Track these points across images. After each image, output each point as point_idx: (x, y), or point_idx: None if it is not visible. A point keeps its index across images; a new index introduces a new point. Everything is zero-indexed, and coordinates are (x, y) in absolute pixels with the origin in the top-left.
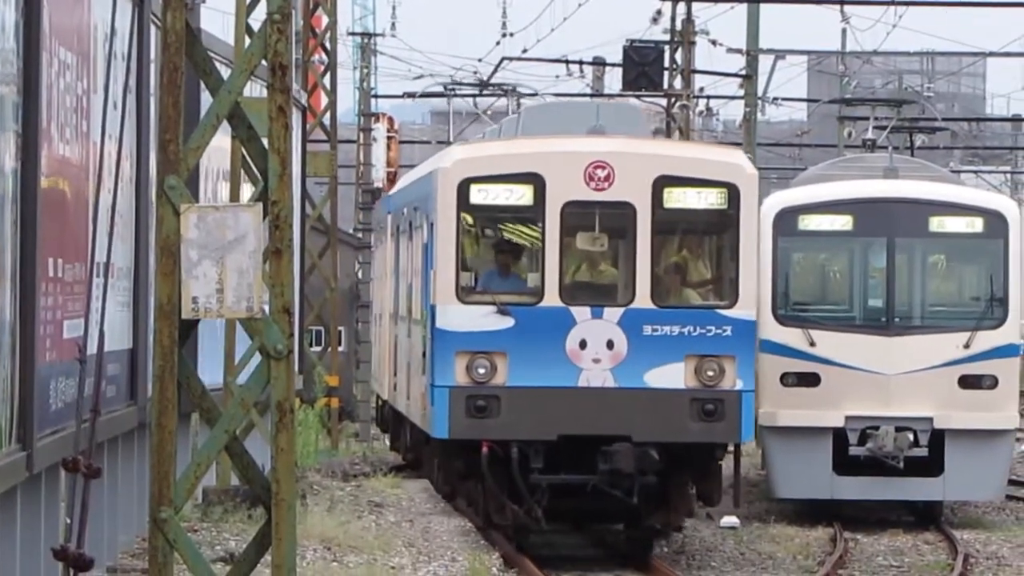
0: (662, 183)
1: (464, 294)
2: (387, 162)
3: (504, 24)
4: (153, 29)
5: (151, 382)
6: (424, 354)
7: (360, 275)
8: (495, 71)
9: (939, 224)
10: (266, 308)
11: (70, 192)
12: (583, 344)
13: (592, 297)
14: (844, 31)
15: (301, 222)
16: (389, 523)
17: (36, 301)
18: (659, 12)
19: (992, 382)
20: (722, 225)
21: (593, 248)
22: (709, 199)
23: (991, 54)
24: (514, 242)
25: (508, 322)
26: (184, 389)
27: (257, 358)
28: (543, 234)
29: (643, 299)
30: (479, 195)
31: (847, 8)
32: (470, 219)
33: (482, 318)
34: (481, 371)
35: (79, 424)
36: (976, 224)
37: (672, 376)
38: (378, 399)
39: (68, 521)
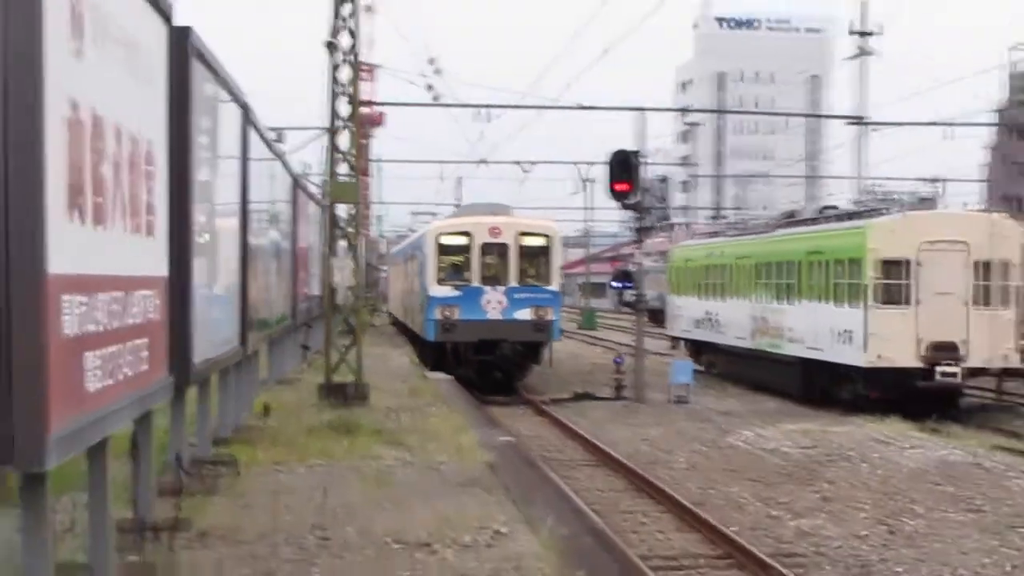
0: (520, 235)
1: (440, 282)
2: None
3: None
4: (328, 213)
5: (325, 306)
6: (421, 306)
7: (380, 277)
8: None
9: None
10: (352, 283)
11: (309, 253)
12: (488, 302)
13: (493, 282)
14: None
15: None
16: (388, 341)
17: (297, 284)
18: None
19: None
20: (545, 252)
21: (493, 262)
22: (539, 241)
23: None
24: (460, 260)
25: (459, 293)
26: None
27: (350, 296)
28: (471, 257)
29: (513, 282)
30: (445, 240)
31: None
32: (441, 251)
33: (448, 291)
34: (447, 313)
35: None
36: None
37: (526, 314)
38: (390, 314)
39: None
